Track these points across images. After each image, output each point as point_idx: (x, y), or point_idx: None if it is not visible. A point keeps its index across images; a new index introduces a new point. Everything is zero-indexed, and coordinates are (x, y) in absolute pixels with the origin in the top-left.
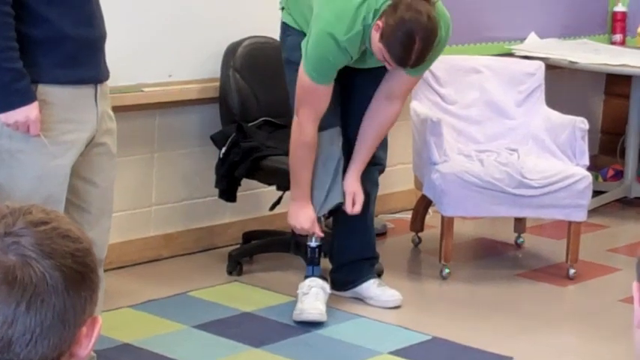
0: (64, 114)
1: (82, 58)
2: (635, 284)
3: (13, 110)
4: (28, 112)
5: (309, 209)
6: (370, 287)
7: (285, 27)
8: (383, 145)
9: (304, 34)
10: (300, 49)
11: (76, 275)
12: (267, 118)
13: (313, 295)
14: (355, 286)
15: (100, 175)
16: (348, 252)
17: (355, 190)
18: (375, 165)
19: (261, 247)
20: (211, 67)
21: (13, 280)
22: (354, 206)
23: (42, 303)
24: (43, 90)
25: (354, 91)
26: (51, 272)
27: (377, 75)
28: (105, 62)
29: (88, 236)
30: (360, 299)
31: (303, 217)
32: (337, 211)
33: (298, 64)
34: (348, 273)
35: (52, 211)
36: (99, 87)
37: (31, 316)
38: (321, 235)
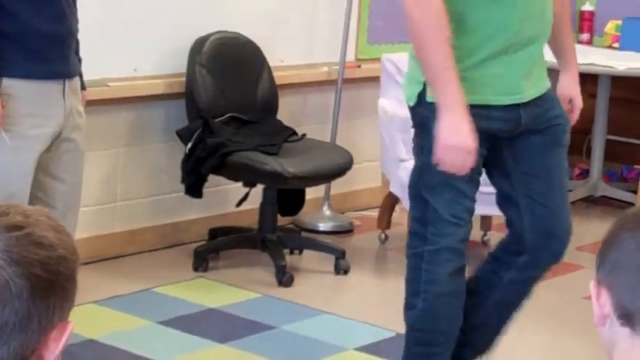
0: (30, 108)
1: (49, 53)
2: (591, 283)
3: None
4: None
5: (465, 125)
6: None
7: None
8: None
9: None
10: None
11: (45, 283)
12: (233, 114)
13: None
14: None
15: (68, 172)
16: None
17: (571, 94)
18: None
19: (227, 244)
20: (177, 62)
21: None
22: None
23: (3, 309)
24: (9, 84)
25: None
26: (16, 280)
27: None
28: (74, 58)
29: (70, 241)
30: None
31: (455, 140)
32: None
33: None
34: None
35: (32, 214)
36: (67, 82)
37: None
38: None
